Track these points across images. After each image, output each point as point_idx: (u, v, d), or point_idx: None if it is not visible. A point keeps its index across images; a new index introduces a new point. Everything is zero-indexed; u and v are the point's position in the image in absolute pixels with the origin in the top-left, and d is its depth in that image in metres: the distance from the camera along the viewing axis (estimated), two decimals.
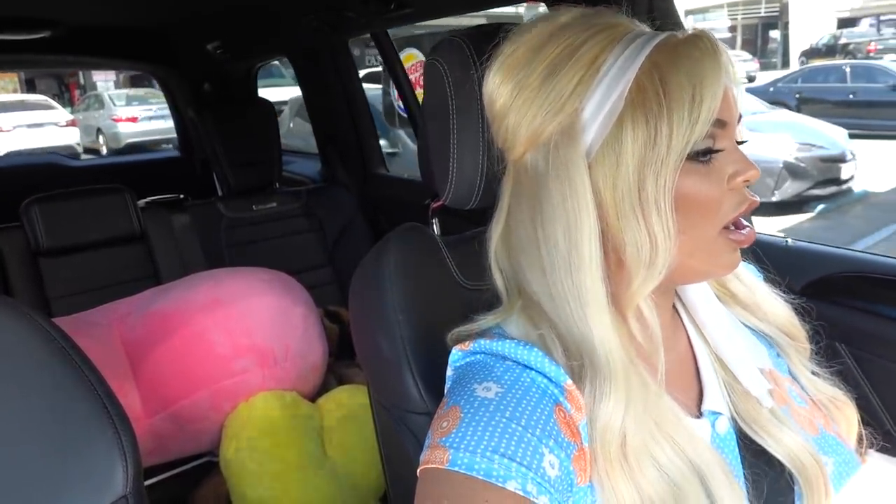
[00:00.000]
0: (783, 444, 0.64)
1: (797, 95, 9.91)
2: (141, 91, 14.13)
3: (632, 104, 0.56)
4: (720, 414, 0.66)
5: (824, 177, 6.24)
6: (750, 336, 0.72)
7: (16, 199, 2.03)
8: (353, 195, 2.57)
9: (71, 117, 13.03)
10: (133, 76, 17.43)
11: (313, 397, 1.69)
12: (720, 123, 0.58)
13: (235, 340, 1.52)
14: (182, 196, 2.53)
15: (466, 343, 0.63)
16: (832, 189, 6.33)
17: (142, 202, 2.24)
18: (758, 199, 0.62)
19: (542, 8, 1.40)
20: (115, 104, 12.66)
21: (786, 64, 16.40)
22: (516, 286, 0.66)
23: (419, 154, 0.95)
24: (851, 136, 6.93)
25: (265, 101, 2.59)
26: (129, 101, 12.89)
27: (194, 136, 3.20)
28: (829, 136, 6.67)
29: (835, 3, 15.96)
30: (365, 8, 1.79)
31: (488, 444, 0.52)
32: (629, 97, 0.57)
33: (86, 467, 0.72)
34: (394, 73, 2.33)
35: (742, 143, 0.64)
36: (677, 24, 1.23)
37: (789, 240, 1.31)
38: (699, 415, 0.66)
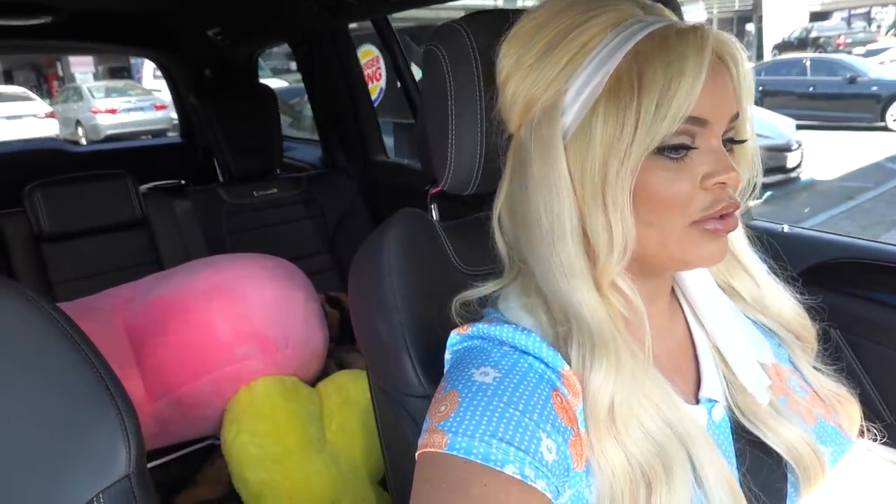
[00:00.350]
0: (781, 436, 0.65)
1: (760, 88, 10.06)
2: (120, 83, 14.27)
3: (608, 92, 0.57)
4: (716, 402, 0.66)
5: (769, 165, 6.53)
6: (752, 329, 0.72)
7: (17, 185, 2.04)
8: (353, 181, 2.57)
9: (50, 109, 13.05)
10: (112, 68, 17.41)
11: (314, 382, 1.70)
12: (698, 121, 0.57)
13: (237, 327, 1.52)
14: (184, 182, 2.54)
15: (465, 327, 0.64)
16: (779, 177, 6.60)
17: (144, 188, 2.25)
18: (739, 201, 0.61)
19: None
20: (93, 96, 12.68)
21: (760, 56, 16.56)
22: (517, 254, 0.67)
23: (418, 140, 0.96)
24: (810, 128, 7.38)
25: (266, 88, 2.59)
26: (108, 92, 12.93)
27: (195, 122, 3.20)
28: (777, 126, 6.91)
29: None
30: None
31: (486, 429, 0.53)
32: (608, 84, 0.57)
33: (89, 447, 0.73)
34: (395, 60, 2.32)
35: (741, 141, 0.63)
36: (678, 15, 1.23)
37: (786, 226, 1.32)
38: (696, 402, 0.66)
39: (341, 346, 2.02)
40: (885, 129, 8.70)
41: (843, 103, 8.82)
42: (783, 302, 0.73)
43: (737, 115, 0.61)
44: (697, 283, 0.71)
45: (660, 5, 0.64)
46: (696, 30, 0.57)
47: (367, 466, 1.59)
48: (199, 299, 1.54)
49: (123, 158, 3.54)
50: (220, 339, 1.50)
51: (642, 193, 0.58)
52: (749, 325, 0.72)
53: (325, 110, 2.74)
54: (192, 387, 1.50)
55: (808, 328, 0.74)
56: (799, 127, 7.22)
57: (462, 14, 0.81)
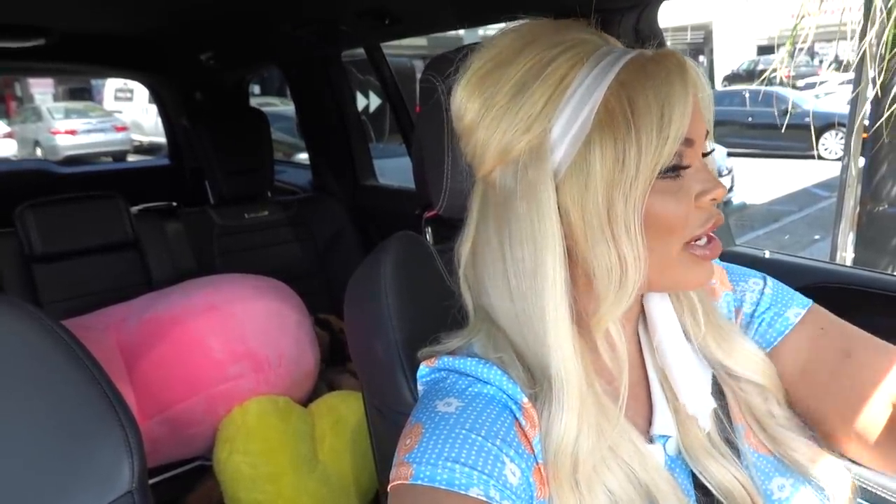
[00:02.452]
0: (711, 474, 0.64)
1: None
2: (80, 104, 14.19)
3: (599, 125, 0.55)
4: (669, 437, 0.66)
5: None
6: (703, 361, 0.69)
7: (3, 206, 2.04)
8: (343, 205, 2.60)
9: (8, 129, 13.09)
10: (72, 89, 17.23)
11: (305, 403, 1.71)
12: (688, 142, 0.58)
13: (231, 346, 1.54)
14: (174, 204, 2.55)
15: (432, 360, 0.64)
16: None
17: (135, 209, 2.26)
18: (723, 216, 0.62)
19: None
20: (53, 117, 12.70)
21: (711, 87, 17.17)
22: (481, 308, 0.65)
23: (413, 165, 0.99)
24: (748, 156, 7.96)
25: (258, 111, 2.61)
26: (68, 113, 12.93)
27: (185, 144, 3.22)
28: None
29: (755, 32, 16.74)
30: (359, 22, 1.82)
31: (448, 455, 0.54)
32: (597, 118, 0.56)
33: (94, 463, 0.75)
34: (385, 86, 2.36)
35: (708, 153, 0.63)
36: (661, 43, 1.28)
37: (767, 252, 1.35)
38: (650, 439, 0.66)
39: (331, 368, 2.03)
40: (818, 157, 9.28)
41: (778, 133, 9.34)
42: (747, 346, 0.69)
43: (707, 132, 0.62)
44: (660, 307, 0.69)
45: (608, 36, 0.63)
46: (673, 55, 0.57)
47: (358, 486, 1.60)
48: (193, 318, 1.55)
49: (111, 180, 3.54)
50: (214, 358, 1.51)
51: (648, 220, 0.57)
52: (699, 358, 0.69)
53: (316, 134, 2.77)
54: (184, 405, 1.51)
55: (772, 376, 0.69)
56: (735, 155, 7.64)
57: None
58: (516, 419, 0.59)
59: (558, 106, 0.57)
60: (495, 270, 0.61)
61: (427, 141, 0.86)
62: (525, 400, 0.60)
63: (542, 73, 0.57)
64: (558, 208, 0.57)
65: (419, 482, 0.53)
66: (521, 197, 0.58)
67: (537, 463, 0.58)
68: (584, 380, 0.58)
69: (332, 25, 1.92)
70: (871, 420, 0.64)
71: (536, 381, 0.60)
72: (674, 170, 0.58)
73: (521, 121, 0.58)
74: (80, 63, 3.05)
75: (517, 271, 0.59)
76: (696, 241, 0.60)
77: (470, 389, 0.60)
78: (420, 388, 0.66)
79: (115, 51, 2.81)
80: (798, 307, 0.72)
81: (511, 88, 0.58)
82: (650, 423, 0.67)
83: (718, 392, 0.69)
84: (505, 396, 0.60)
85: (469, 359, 0.62)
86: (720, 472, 0.64)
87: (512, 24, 0.62)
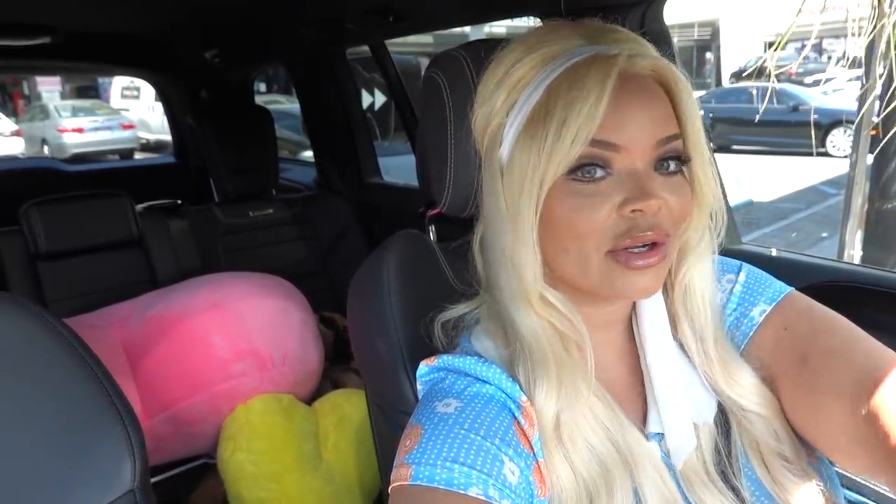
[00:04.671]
0: (699, 497, 0.63)
1: (711, 115, 10.42)
2: (87, 102, 14.28)
3: (525, 125, 0.60)
4: (663, 434, 0.65)
5: None
6: (699, 386, 0.67)
7: (9, 204, 2.04)
8: (347, 203, 2.60)
9: (15, 127, 13.16)
10: (79, 87, 17.32)
11: (309, 401, 1.71)
12: (610, 146, 0.57)
13: (235, 344, 1.54)
14: (179, 202, 2.55)
15: (432, 359, 0.66)
16: None
17: (140, 207, 2.26)
18: (651, 235, 0.58)
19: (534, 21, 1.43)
20: (60, 115, 12.75)
21: (718, 83, 17.23)
22: (484, 278, 0.69)
23: (417, 163, 0.98)
24: (755, 153, 8.13)
25: (262, 109, 2.62)
26: (75, 111, 12.98)
27: (190, 142, 3.23)
28: None
29: (762, 28, 16.68)
30: (364, 20, 1.82)
31: (447, 455, 0.54)
32: (528, 118, 0.60)
33: (96, 462, 0.75)
34: (391, 84, 2.35)
35: (684, 161, 0.61)
36: (668, 44, 1.28)
37: (774, 250, 1.35)
38: (646, 436, 0.65)
39: (335, 366, 2.03)
40: (826, 154, 9.20)
41: (786, 130, 9.28)
42: (744, 376, 0.66)
43: (672, 138, 0.59)
44: (653, 323, 0.68)
45: (615, 27, 0.64)
46: (604, 58, 0.58)
47: (362, 484, 1.60)
48: (198, 315, 1.55)
49: (117, 178, 3.55)
50: (218, 356, 1.51)
51: (553, 219, 0.59)
52: (696, 381, 0.67)
53: (321, 132, 2.77)
54: (188, 403, 1.51)
55: (770, 405, 0.66)
56: (741, 152, 7.73)
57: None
58: (515, 418, 0.60)
59: (514, 105, 0.62)
60: (485, 242, 0.66)
61: (430, 139, 0.85)
62: (524, 399, 0.60)
63: (509, 71, 0.62)
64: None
65: (418, 483, 0.54)
66: (486, 179, 0.65)
67: (537, 462, 0.59)
68: (556, 343, 0.61)
69: (338, 23, 1.92)
70: (836, 433, 0.61)
71: (511, 343, 0.63)
72: (586, 172, 0.58)
73: (491, 112, 0.64)
74: (86, 61, 3.06)
75: (492, 244, 0.63)
76: (625, 249, 0.58)
77: (469, 389, 0.61)
78: (419, 387, 0.67)
79: (121, 49, 2.82)
80: (765, 303, 0.69)
81: (493, 84, 0.64)
82: (645, 422, 0.66)
83: (724, 421, 0.67)
84: (504, 396, 0.61)
85: (468, 357, 0.64)
86: (710, 499, 0.63)
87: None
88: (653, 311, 0.67)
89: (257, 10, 1.96)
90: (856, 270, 1.27)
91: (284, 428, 1.52)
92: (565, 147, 0.56)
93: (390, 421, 0.87)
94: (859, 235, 3.40)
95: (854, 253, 3.36)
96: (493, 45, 0.75)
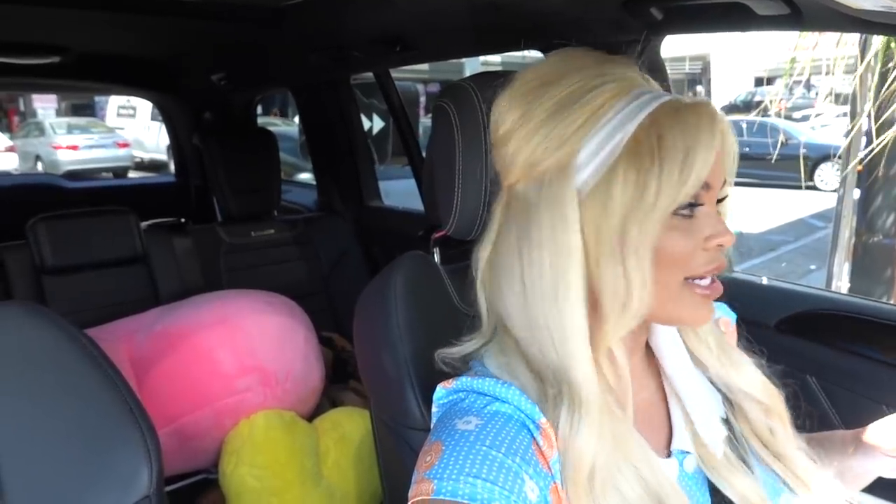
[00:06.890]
0: (735, 487, 0.68)
1: None
2: (83, 120, 14.32)
3: (626, 154, 0.59)
4: (688, 453, 0.69)
5: None
6: (710, 386, 0.73)
7: (12, 220, 2.06)
8: (348, 225, 2.63)
9: (10, 143, 13.20)
10: (75, 105, 17.26)
11: (309, 419, 1.73)
12: (706, 186, 0.61)
13: (241, 359, 1.56)
14: (183, 220, 2.58)
15: (450, 381, 0.66)
16: None
17: (144, 224, 2.29)
18: (726, 261, 0.64)
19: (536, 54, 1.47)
20: (55, 132, 12.81)
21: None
22: (495, 313, 0.67)
23: (423, 187, 1.02)
24: (744, 185, 7.60)
25: (266, 132, 2.66)
26: (70, 129, 13.06)
27: (191, 162, 3.26)
28: None
29: (752, 63, 16.92)
30: (371, 48, 1.86)
31: (470, 470, 0.55)
32: (625, 148, 0.59)
33: (114, 467, 0.77)
34: (394, 110, 2.40)
35: (723, 199, 0.67)
36: (664, 78, 1.33)
37: (765, 279, 1.39)
38: (668, 455, 0.69)
39: (334, 385, 2.05)
40: (814, 188, 9.38)
41: (775, 163, 9.48)
42: (747, 370, 0.74)
43: (725, 182, 0.65)
44: (667, 338, 0.73)
45: (651, 79, 0.68)
46: (708, 105, 0.61)
47: (362, 501, 1.61)
48: (203, 331, 1.57)
49: (117, 195, 3.57)
50: (223, 371, 1.53)
51: (656, 251, 0.60)
52: (707, 383, 0.73)
53: (323, 155, 2.82)
54: (192, 418, 1.53)
55: (774, 395, 0.73)
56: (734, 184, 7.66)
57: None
58: (534, 438, 0.60)
59: (591, 130, 0.61)
60: (513, 275, 0.63)
61: (439, 165, 0.89)
62: (543, 420, 0.61)
63: (581, 98, 0.62)
64: (579, 223, 0.60)
65: (441, 496, 0.54)
66: (545, 208, 0.61)
67: (554, 482, 0.59)
68: (599, 388, 0.61)
69: (345, 51, 1.96)
70: None
71: (549, 386, 0.62)
72: (689, 208, 0.61)
73: (554, 138, 0.62)
74: (92, 81, 3.09)
75: (535, 279, 0.61)
76: (698, 279, 0.63)
77: (488, 408, 0.61)
78: (435, 409, 0.67)
79: (127, 70, 2.85)
80: None
81: (551, 107, 0.62)
82: (669, 440, 0.70)
83: (727, 411, 0.73)
84: (523, 416, 0.61)
85: (487, 378, 0.64)
86: (742, 484, 0.68)
87: (544, 52, 0.67)
88: (665, 330, 0.73)
89: (267, 38, 2.01)
90: (843, 299, 1.31)
91: (287, 444, 1.54)
92: (686, 189, 0.58)
93: (395, 435, 0.90)
94: (847, 267, 3.46)
95: (841, 284, 3.42)
96: (498, 76, 0.79)
